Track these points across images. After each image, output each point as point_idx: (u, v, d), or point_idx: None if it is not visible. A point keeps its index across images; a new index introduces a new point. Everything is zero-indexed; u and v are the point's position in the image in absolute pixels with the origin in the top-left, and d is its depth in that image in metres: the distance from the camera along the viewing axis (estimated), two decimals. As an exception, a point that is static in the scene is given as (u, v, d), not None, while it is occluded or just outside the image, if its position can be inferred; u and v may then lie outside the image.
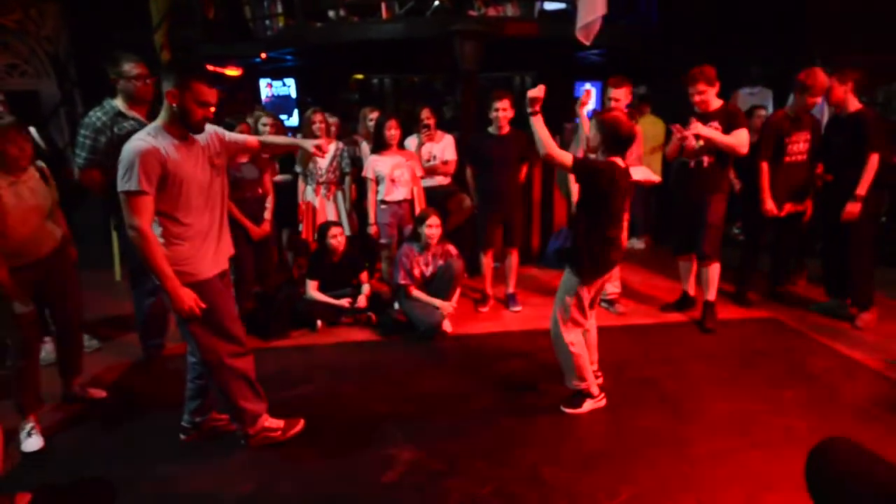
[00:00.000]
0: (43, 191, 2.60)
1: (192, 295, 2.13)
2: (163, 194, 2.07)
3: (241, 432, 2.46)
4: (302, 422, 2.55)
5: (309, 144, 2.54)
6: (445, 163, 4.27)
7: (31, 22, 6.47)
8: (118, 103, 2.90)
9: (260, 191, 3.71)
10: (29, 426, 2.56)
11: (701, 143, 3.44)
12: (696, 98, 3.47)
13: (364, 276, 3.95)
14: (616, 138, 2.52)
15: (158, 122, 2.12)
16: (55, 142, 3.89)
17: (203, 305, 2.16)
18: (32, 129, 3.29)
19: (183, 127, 2.12)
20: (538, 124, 2.50)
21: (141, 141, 2.03)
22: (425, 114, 4.17)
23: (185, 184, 2.11)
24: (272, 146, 2.73)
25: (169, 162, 2.04)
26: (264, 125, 3.87)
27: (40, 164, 2.67)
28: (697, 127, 3.37)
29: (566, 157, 2.49)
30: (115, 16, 6.24)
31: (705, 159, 3.53)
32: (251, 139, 2.52)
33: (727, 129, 3.41)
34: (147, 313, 3.18)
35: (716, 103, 3.49)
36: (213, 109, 2.14)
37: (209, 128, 2.25)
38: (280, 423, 2.50)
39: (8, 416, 2.59)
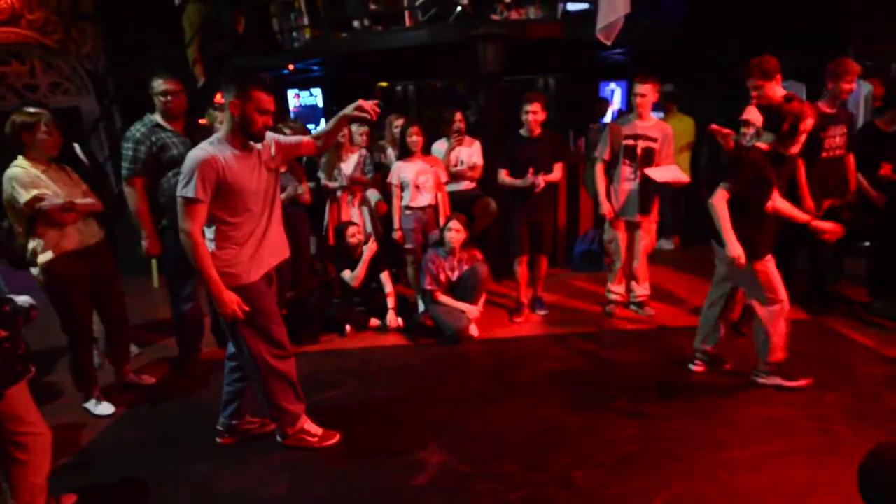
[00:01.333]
0: (70, 181, 2.86)
1: (234, 298, 2.20)
2: (219, 201, 2.15)
3: (279, 431, 2.53)
4: (338, 436, 2.59)
5: (350, 109, 2.39)
6: (472, 167, 4.28)
7: (71, 41, 6.77)
8: (157, 117, 3.04)
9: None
10: (94, 400, 2.98)
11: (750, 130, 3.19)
12: (753, 93, 3.26)
13: (386, 275, 3.98)
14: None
15: (220, 133, 2.21)
16: (96, 157, 4.07)
17: (246, 308, 2.22)
18: (76, 146, 3.45)
19: (244, 136, 2.19)
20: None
21: (202, 150, 2.12)
22: (458, 117, 4.19)
23: (242, 192, 2.18)
24: (326, 135, 2.56)
25: (227, 171, 2.12)
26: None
27: (67, 167, 2.92)
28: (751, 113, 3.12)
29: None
30: (149, 33, 6.48)
31: None
32: (306, 139, 2.53)
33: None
34: (184, 318, 3.28)
35: (778, 97, 3.23)
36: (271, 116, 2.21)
37: (267, 139, 2.32)
38: (319, 430, 2.56)
39: (54, 416, 2.72)
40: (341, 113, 2.43)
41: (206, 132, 3.31)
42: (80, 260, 2.80)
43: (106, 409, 2.97)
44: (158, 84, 2.98)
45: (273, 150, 2.34)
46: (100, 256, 2.93)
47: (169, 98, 2.99)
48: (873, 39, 4.91)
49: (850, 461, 2.30)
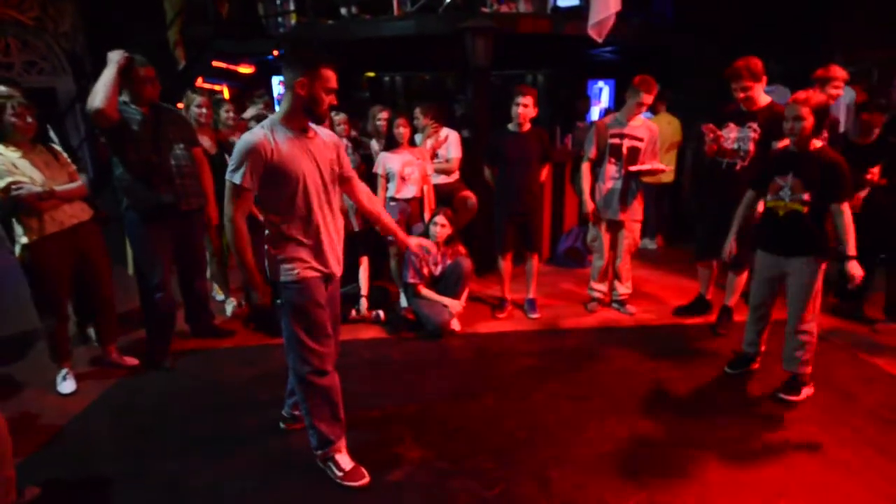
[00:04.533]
0: (56, 163, 2.86)
1: (268, 289, 2.12)
2: (270, 189, 2.00)
3: (312, 447, 2.30)
4: (368, 478, 2.24)
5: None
6: (448, 161, 4.24)
7: (48, 19, 6.56)
8: (122, 97, 2.93)
9: None
10: (64, 371, 3.02)
11: (729, 145, 3.30)
12: (741, 95, 3.22)
13: (363, 260, 3.92)
14: None
15: (277, 115, 2.04)
16: (68, 141, 3.93)
17: (278, 299, 2.11)
18: (49, 129, 3.33)
19: (305, 118, 2.03)
20: None
21: (254, 134, 1.97)
22: (417, 111, 4.06)
23: (295, 179, 2.00)
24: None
25: (277, 156, 1.96)
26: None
27: (56, 147, 2.95)
28: None
29: None
30: (130, 13, 6.31)
31: (738, 163, 3.32)
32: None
33: (766, 134, 3.20)
34: (154, 308, 3.19)
35: (762, 100, 3.25)
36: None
37: (337, 139, 2.20)
38: (349, 465, 2.26)
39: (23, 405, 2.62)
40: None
41: (171, 114, 3.18)
42: (60, 242, 2.81)
43: (67, 387, 2.99)
44: (139, 70, 2.88)
45: (339, 160, 2.17)
46: (85, 237, 2.93)
47: (149, 85, 2.91)
48: (856, 45, 4.98)
49: (822, 459, 2.34)
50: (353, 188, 2.33)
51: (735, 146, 3.31)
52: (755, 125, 3.23)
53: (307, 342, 2.13)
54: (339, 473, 2.24)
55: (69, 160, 2.97)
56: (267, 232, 2.10)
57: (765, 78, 3.23)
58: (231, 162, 1.98)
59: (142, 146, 2.94)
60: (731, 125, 3.32)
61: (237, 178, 1.95)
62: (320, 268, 2.13)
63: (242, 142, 1.96)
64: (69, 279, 2.95)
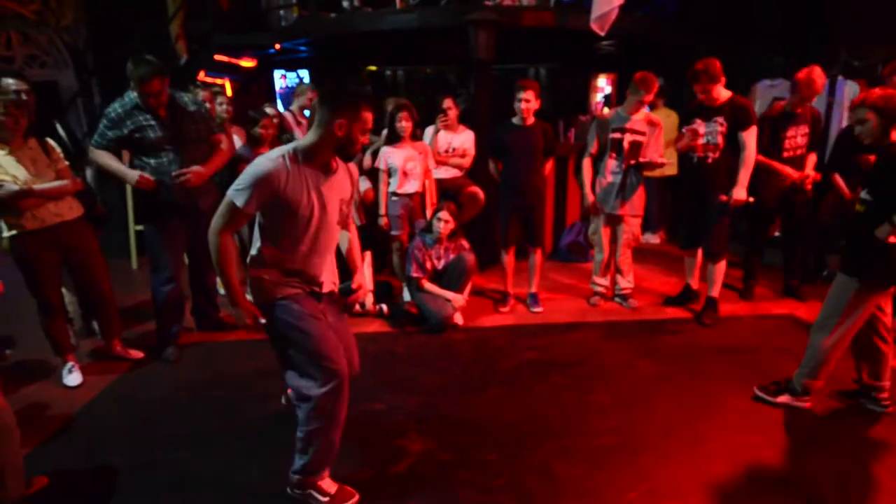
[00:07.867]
0: (44, 161, 2.82)
1: (251, 310, 2.06)
2: (272, 215, 1.95)
3: (293, 470, 2.13)
4: (357, 496, 2.13)
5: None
6: (463, 155, 4.23)
7: (50, 13, 6.53)
8: (137, 96, 2.92)
9: None
10: (69, 365, 3.05)
11: (700, 141, 3.45)
12: (702, 96, 3.43)
13: (366, 255, 3.92)
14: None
15: (303, 144, 1.95)
16: (75, 134, 3.93)
17: (261, 318, 2.04)
18: (57, 124, 3.35)
19: (333, 154, 1.98)
20: None
21: (271, 161, 1.87)
22: (447, 103, 4.13)
23: (302, 216, 1.95)
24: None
25: (289, 189, 1.89)
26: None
27: (50, 142, 2.90)
28: (739, 194, 3.38)
29: None
30: (132, 6, 6.28)
31: (710, 155, 3.47)
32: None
33: (732, 126, 3.36)
34: (164, 301, 3.21)
35: (723, 96, 3.42)
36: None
37: (356, 177, 2.14)
38: (333, 488, 2.12)
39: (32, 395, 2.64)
40: None
41: (189, 116, 3.17)
42: (41, 239, 2.80)
43: (73, 379, 3.01)
44: (143, 76, 2.80)
45: (351, 189, 2.14)
46: (72, 234, 2.90)
47: (153, 97, 2.86)
48: (861, 40, 4.94)
49: (824, 454, 2.36)
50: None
51: (704, 140, 3.45)
52: (721, 119, 3.38)
53: (308, 357, 1.99)
54: (325, 499, 2.09)
55: (62, 156, 2.90)
56: (255, 255, 2.03)
57: (723, 77, 3.37)
58: (239, 181, 1.89)
59: (158, 151, 2.96)
60: (699, 121, 3.46)
61: (240, 201, 1.87)
62: (307, 287, 2.07)
63: (258, 167, 1.87)
64: (57, 275, 2.92)
